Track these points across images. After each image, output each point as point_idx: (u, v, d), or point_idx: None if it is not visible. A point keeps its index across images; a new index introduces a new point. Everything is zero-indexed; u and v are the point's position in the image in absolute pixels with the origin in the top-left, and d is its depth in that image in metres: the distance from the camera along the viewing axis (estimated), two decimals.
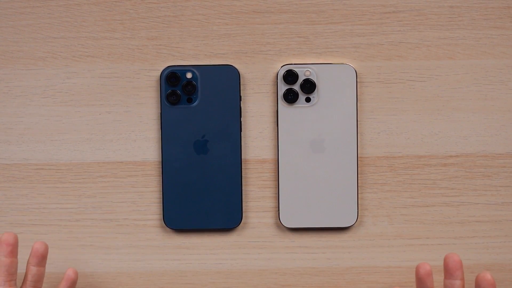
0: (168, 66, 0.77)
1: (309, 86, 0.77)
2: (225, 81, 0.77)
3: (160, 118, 0.77)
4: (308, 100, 0.77)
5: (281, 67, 0.77)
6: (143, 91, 0.78)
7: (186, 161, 0.77)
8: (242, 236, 0.79)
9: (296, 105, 0.77)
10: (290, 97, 0.77)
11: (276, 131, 0.78)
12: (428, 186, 0.78)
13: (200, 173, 0.77)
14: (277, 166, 0.78)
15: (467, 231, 0.78)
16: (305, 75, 0.77)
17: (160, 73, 0.77)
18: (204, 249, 0.79)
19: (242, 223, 0.78)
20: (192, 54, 0.78)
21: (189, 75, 0.77)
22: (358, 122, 0.77)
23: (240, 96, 0.77)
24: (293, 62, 0.78)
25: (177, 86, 0.77)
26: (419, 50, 0.78)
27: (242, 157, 0.78)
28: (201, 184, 0.77)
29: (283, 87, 0.77)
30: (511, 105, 0.78)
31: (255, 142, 0.78)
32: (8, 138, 0.79)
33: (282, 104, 0.77)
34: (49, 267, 0.79)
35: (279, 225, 0.79)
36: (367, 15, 0.78)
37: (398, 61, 0.78)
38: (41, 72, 0.78)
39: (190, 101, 0.77)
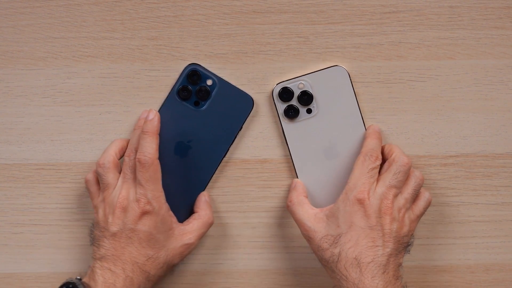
0: (190, 63, 0.77)
1: (306, 98, 0.77)
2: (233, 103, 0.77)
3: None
4: (309, 111, 0.77)
5: (276, 85, 0.77)
6: (143, 91, 0.78)
7: (168, 161, 0.77)
8: (242, 236, 0.79)
9: (299, 119, 0.77)
10: (291, 113, 0.77)
11: (287, 148, 0.77)
12: (428, 186, 0.78)
13: (177, 173, 0.77)
14: (295, 173, 0.78)
15: (467, 231, 0.78)
16: (299, 88, 0.77)
17: (183, 69, 0.77)
18: (204, 249, 0.79)
19: (243, 223, 0.78)
20: (192, 54, 0.78)
21: (209, 82, 0.77)
22: (363, 119, 0.77)
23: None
24: (284, 79, 0.77)
25: (191, 94, 0.77)
26: (419, 50, 0.78)
27: (242, 157, 0.78)
28: (178, 184, 0.77)
29: (281, 105, 0.77)
30: (511, 105, 0.78)
31: (255, 142, 0.78)
32: (8, 138, 0.79)
33: (285, 121, 0.77)
34: (49, 267, 0.79)
35: (279, 225, 0.79)
36: (367, 15, 0.78)
37: (398, 61, 0.78)
38: (42, 72, 0.79)
39: (197, 104, 0.77)
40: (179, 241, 0.74)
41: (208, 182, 0.78)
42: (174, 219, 0.74)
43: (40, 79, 0.79)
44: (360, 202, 0.70)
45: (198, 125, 0.77)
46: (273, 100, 0.77)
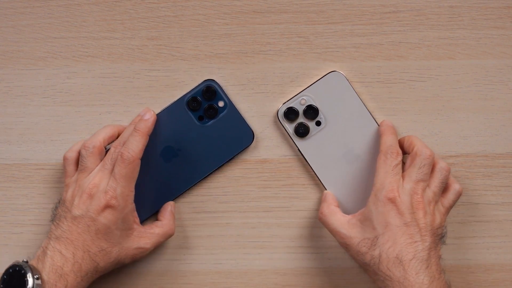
0: (209, 79, 0.77)
1: (312, 112, 0.77)
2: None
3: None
4: (318, 123, 0.77)
5: (281, 106, 0.77)
6: (143, 91, 0.78)
7: (151, 160, 0.77)
8: (242, 236, 0.79)
9: (311, 134, 0.77)
10: (302, 131, 0.77)
11: (308, 165, 0.77)
12: None
13: (155, 174, 0.77)
14: (323, 186, 0.78)
15: (467, 231, 0.78)
16: (302, 104, 0.77)
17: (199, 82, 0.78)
18: (204, 249, 0.79)
19: (243, 223, 0.78)
20: (192, 54, 0.78)
21: (221, 104, 0.77)
22: (373, 116, 0.77)
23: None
24: (287, 99, 0.77)
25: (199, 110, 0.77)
26: (419, 50, 0.78)
27: (242, 157, 0.78)
28: (151, 185, 0.77)
29: (290, 126, 0.77)
30: (511, 105, 0.78)
31: (255, 142, 0.78)
32: (8, 138, 0.79)
33: (298, 140, 0.77)
34: None
35: (279, 225, 0.79)
36: (367, 15, 0.78)
37: (398, 61, 0.78)
38: (41, 72, 0.79)
39: (201, 119, 0.77)
40: (135, 243, 0.74)
41: (180, 194, 0.78)
42: (137, 220, 0.74)
43: (40, 79, 0.79)
44: (392, 201, 0.70)
45: (194, 139, 0.77)
46: (280, 122, 0.77)
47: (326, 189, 0.77)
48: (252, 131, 0.77)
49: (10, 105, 0.79)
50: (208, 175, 0.78)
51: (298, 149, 0.77)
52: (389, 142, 0.73)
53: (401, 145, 0.75)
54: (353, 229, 0.72)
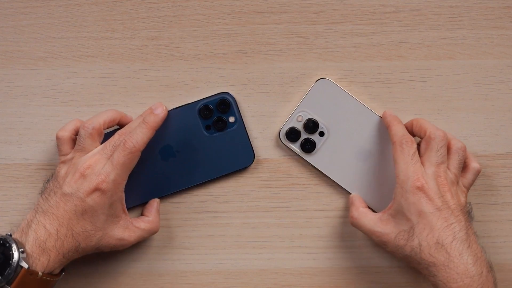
0: (226, 92, 0.77)
1: (312, 125, 0.77)
2: None
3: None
4: (322, 134, 0.77)
5: (280, 130, 0.77)
6: (143, 91, 0.78)
7: (147, 154, 0.77)
8: (242, 236, 0.79)
9: (318, 147, 0.77)
10: (308, 147, 0.77)
11: (326, 176, 0.77)
12: None
13: (148, 169, 0.77)
14: (347, 192, 0.78)
15: None
16: (299, 121, 0.77)
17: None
18: (204, 249, 0.79)
19: (243, 223, 0.78)
20: (192, 54, 0.78)
21: (231, 119, 0.77)
22: (373, 110, 0.77)
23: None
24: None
25: (210, 119, 0.77)
26: (419, 50, 0.78)
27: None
28: (141, 177, 0.77)
29: (295, 145, 0.77)
30: (511, 105, 0.78)
31: (255, 142, 0.78)
32: (8, 138, 0.79)
33: (307, 156, 0.77)
34: None
35: (279, 225, 0.79)
36: (367, 15, 0.78)
37: (398, 61, 0.78)
38: (42, 72, 0.79)
39: (208, 128, 0.77)
40: (120, 233, 0.74)
41: (167, 194, 0.78)
42: (125, 210, 0.74)
43: (40, 79, 0.79)
44: (420, 189, 0.70)
45: (195, 146, 0.77)
46: (285, 145, 0.77)
47: (351, 193, 0.77)
48: (254, 154, 0.77)
49: (10, 105, 0.79)
50: (198, 184, 0.78)
51: (311, 165, 0.77)
52: (399, 132, 0.73)
53: (409, 129, 0.75)
54: (387, 225, 0.72)
